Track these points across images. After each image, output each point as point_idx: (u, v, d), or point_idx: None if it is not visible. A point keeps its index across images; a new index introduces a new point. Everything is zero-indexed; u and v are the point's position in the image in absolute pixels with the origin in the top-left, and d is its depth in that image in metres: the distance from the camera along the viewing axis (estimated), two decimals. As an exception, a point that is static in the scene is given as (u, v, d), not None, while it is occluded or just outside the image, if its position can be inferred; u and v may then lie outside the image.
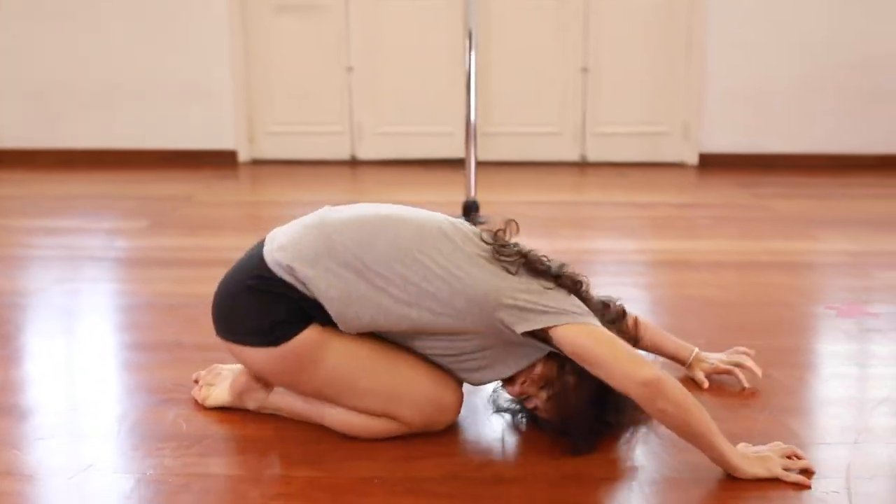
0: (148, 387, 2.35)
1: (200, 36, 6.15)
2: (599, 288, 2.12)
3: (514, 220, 2.07)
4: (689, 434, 1.84)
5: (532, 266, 1.96)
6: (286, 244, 1.98)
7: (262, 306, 1.96)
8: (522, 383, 2.00)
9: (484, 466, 1.94)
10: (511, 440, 2.08)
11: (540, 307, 1.87)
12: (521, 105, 6.30)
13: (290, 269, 1.94)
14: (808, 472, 1.88)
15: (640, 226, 4.43)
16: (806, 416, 2.21)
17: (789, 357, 2.59)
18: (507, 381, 2.02)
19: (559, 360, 1.93)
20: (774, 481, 1.84)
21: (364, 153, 6.30)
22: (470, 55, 4.19)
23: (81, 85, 6.25)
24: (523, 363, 1.97)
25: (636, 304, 3.01)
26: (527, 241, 2.07)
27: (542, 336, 1.88)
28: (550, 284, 1.94)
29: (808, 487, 1.82)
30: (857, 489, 1.84)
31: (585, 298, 1.98)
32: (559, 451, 1.98)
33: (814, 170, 6.11)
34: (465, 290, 1.89)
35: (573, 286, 1.97)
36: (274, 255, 1.97)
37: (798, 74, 6.18)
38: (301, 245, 1.97)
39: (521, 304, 1.87)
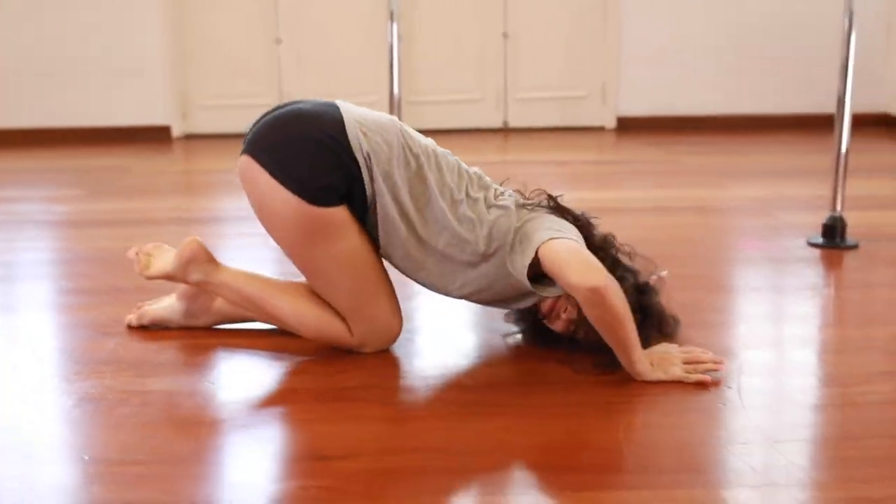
0: (88, 323, 2.48)
1: (132, 12, 6.20)
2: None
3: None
4: (612, 339, 2.00)
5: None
6: (368, 130, 2.07)
7: (324, 165, 2.03)
8: (556, 301, 2.14)
9: (401, 377, 2.12)
10: (425, 359, 2.25)
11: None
12: (445, 73, 6.41)
13: (368, 157, 2.05)
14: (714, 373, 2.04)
15: (561, 179, 4.63)
16: (718, 329, 2.40)
17: (704, 283, 2.81)
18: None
19: None
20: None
21: (293, 124, 6.34)
22: (392, 25, 4.30)
23: (15, 65, 6.26)
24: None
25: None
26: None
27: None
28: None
29: (708, 386, 2.00)
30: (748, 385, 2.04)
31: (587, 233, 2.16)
32: (466, 364, 2.17)
33: (728, 130, 6.35)
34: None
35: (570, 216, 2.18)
36: (357, 132, 2.06)
37: (712, 37, 6.40)
38: (382, 142, 2.07)
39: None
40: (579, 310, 2.02)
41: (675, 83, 6.48)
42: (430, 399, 2.01)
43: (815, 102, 6.15)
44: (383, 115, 2.16)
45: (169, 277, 2.28)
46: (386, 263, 2.21)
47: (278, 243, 2.15)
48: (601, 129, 6.52)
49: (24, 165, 5.55)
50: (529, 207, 2.18)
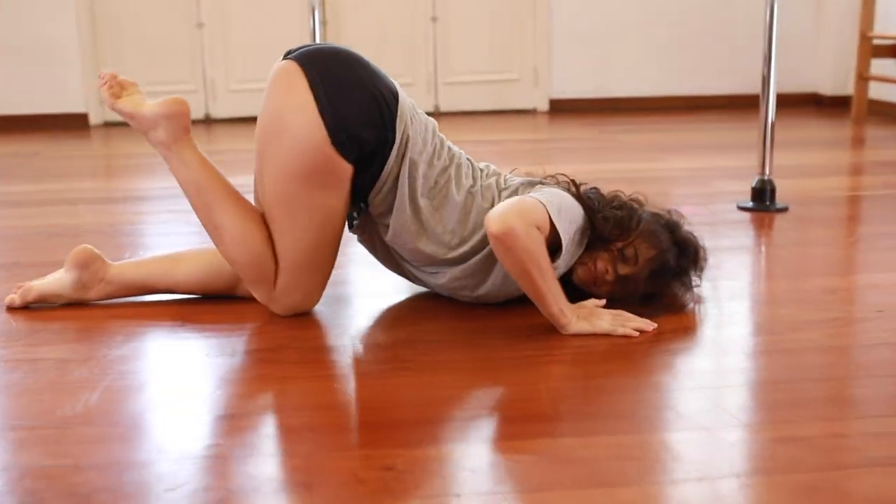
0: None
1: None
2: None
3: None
4: (529, 289, 1.93)
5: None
6: (414, 117, 2.02)
7: (368, 120, 1.94)
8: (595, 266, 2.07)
9: (320, 338, 2.02)
10: (346, 319, 2.14)
11: None
12: (373, 56, 6.13)
13: (405, 140, 1.97)
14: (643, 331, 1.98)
15: (493, 158, 4.49)
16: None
17: None
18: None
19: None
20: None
21: (218, 111, 6.21)
22: (315, 11, 4.23)
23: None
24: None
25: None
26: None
27: None
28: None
29: (636, 337, 1.94)
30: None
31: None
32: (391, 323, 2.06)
33: (662, 111, 6.31)
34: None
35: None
36: (407, 112, 1.99)
37: (643, 17, 6.35)
38: (420, 134, 2.01)
39: None
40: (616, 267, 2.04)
41: (607, 65, 6.43)
42: (351, 358, 1.91)
43: (747, 83, 6.13)
44: (428, 117, 2.12)
45: (130, 116, 2.08)
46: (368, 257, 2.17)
47: (265, 164, 2.01)
48: (534, 111, 6.45)
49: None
50: (537, 184, 2.12)
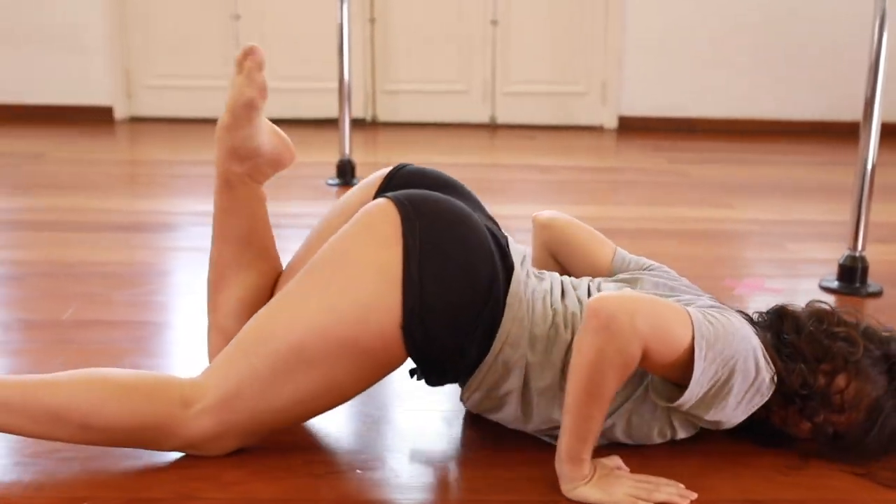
0: None
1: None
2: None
3: None
4: (569, 402, 1.39)
5: None
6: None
7: (458, 316, 1.47)
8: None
9: (233, 486, 1.48)
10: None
11: None
12: (425, 60, 5.84)
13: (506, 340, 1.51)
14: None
15: (545, 190, 4.04)
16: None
17: None
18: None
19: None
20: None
21: (252, 111, 5.77)
22: (342, 5, 3.86)
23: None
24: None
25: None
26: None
27: None
28: None
29: None
30: None
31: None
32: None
33: (741, 135, 5.75)
34: None
35: None
36: (520, 283, 1.53)
37: (725, 31, 5.80)
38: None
39: None
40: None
41: (683, 81, 5.88)
42: None
43: (839, 107, 5.64)
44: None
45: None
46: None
47: (306, 297, 1.48)
48: (600, 128, 5.89)
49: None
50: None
